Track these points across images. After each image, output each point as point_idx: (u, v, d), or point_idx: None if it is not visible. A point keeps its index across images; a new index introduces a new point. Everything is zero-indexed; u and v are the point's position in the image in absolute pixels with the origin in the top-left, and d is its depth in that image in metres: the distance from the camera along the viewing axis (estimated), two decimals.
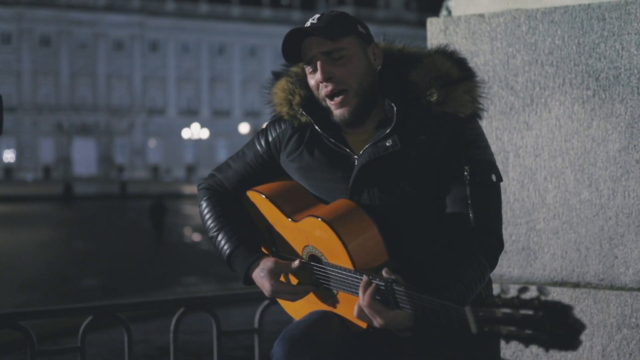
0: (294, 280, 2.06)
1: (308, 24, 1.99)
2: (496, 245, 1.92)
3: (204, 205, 2.16)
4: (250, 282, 2.06)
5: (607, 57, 2.72)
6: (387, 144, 1.93)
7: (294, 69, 2.10)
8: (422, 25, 3.13)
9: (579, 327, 1.37)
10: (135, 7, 68.76)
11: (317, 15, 2.01)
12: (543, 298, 1.39)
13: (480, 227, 1.89)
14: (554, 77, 2.82)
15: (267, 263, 2.01)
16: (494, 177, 1.93)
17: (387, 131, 1.94)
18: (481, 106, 1.98)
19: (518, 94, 2.88)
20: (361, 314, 1.79)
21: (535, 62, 2.85)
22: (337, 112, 1.97)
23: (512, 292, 1.44)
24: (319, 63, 1.95)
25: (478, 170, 1.91)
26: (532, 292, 1.41)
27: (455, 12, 3.11)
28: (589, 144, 2.75)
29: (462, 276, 1.82)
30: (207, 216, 2.14)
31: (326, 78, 1.95)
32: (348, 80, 1.95)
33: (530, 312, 1.39)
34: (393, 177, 1.93)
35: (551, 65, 2.82)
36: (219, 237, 2.11)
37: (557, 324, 1.37)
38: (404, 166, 1.93)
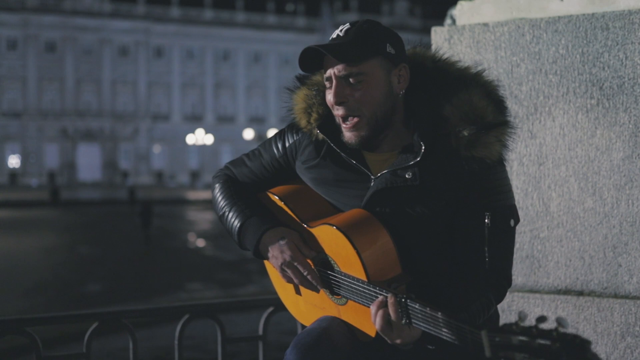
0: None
1: (334, 35, 1.91)
2: (505, 285, 1.95)
3: (217, 188, 2.13)
4: (259, 253, 2.00)
5: (611, 66, 2.73)
6: (407, 176, 1.90)
7: (316, 77, 2.05)
8: (427, 31, 3.14)
9: None
10: (140, 13, 68.96)
11: (346, 27, 1.90)
12: (562, 330, 1.40)
13: (493, 268, 1.91)
14: (558, 86, 2.83)
15: (292, 233, 1.96)
16: (512, 223, 1.93)
17: (410, 163, 1.90)
18: (508, 150, 1.95)
19: (522, 103, 2.89)
20: (386, 329, 1.78)
21: (539, 71, 2.86)
22: (347, 135, 1.93)
23: (530, 320, 1.45)
24: (334, 83, 1.90)
25: (499, 217, 1.91)
26: (550, 323, 1.42)
27: (460, 21, 3.13)
28: (593, 152, 2.76)
29: (468, 307, 1.83)
30: (219, 197, 2.10)
31: (339, 102, 1.89)
32: (361, 108, 1.89)
33: (548, 343, 1.40)
34: (407, 205, 1.91)
35: (555, 74, 2.83)
36: (230, 213, 2.05)
37: (574, 358, 1.38)
38: (420, 199, 1.91)
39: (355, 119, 1.91)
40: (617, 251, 2.71)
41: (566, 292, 2.79)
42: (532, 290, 2.85)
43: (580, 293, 2.77)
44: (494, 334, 1.50)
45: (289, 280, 2.00)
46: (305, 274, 1.95)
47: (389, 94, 1.91)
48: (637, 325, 2.62)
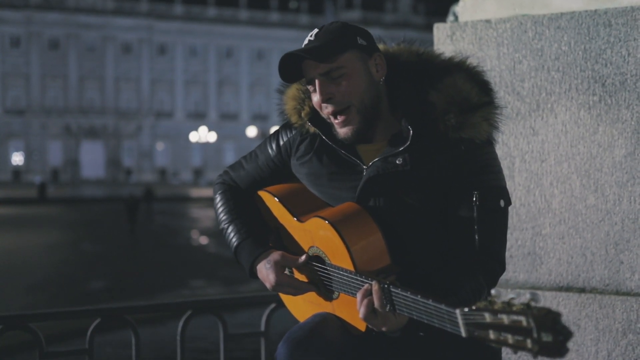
0: (299, 277, 2.08)
1: (306, 41, 1.97)
2: (497, 269, 1.94)
3: (218, 198, 2.23)
4: (254, 274, 2.09)
5: (614, 63, 2.72)
6: (398, 162, 1.93)
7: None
8: (430, 29, 3.15)
9: (567, 334, 1.35)
10: (143, 11, 68.97)
11: (315, 31, 1.98)
12: (533, 304, 1.38)
13: (484, 250, 1.91)
14: (560, 83, 2.83)
15: (274, 255, 2.04)
16: (502, 203, 1.93)
17: (400, 149, 1.93)
18: (497, 131, 1.96)
19: (524, 100, 2.89)
20: (370, 316, 1.79)
21: (541, 67, 2.86)
22: (341, 131, 1.97)
23: (505, 297, 1.44)
24: (317, 83, 1.95)
25: (488, 197, 1.91)
26: (523, 298, 1.41)
27: (462, 18, 3.13)
28: (595, 149, 2.76)
29: (457, 291, 1.83)
30: (220, 209, 2.20)
31: (326, 99, 1.94)
32: (349, 98, 1.94)
33: (520, 318, 1.38)
34: (400, 192, 1.94)
35: (557, 70, 2.83)
36: (229, 229, 2.16)
37: (545, 331, 1.36)
38: (412, 184, 1.93)
39: (345, 114, 1.95)
40: (619, 248, 2.71)
41: (568, 289, 2.80)
42: (534, 287, 2.86)
43: (582, 290, 2.77)
44: (468, 313, 1.49)
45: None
46: (293, 292, 2.04)
47: (371, 82, 1.96)
48: (638, 322, 2.62)
